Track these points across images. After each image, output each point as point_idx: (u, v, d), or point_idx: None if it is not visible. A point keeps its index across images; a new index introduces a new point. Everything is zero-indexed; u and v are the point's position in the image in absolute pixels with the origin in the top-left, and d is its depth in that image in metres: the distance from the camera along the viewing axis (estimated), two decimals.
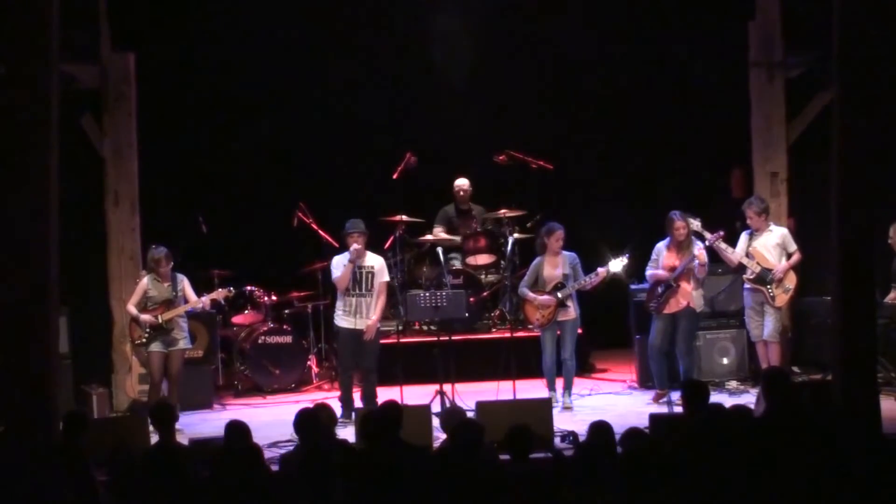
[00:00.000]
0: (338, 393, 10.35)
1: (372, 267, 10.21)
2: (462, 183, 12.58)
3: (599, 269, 10.31)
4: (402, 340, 11.28)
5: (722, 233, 10.41)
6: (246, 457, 6.72)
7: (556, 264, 10.41)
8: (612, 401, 10.85)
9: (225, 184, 13.11)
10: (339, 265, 10.20)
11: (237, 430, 7.04)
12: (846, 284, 7.93)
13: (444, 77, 12.98)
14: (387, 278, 10.32)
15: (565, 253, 10.43)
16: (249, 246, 12.90)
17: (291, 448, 7.90)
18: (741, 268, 10.55)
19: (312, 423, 7.16)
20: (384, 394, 9.90)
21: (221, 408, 11.30)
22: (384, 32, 12.94)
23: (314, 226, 12.39)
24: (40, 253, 7.68)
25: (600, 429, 6.82)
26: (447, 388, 10.09)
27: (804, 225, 11.35)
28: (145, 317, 10.07)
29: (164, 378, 10.17)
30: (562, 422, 9.30)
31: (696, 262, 10.20)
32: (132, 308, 10.17)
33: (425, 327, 12.08)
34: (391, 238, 12.38)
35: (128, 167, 11.29)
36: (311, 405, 7.72)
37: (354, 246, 10.07)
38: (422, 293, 10.95)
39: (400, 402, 8.11)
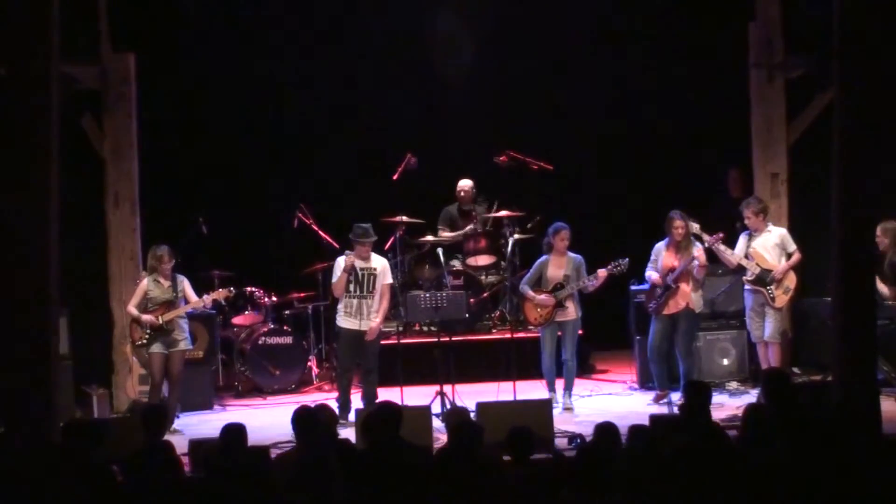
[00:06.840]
0: (337, 394, 10.34)
1: (374, 269, 10.19)
2: (465, 184, 12.56)
3: (600, 271, 10.29)
4: (403, 341, 11.27)
5: (721, 235, 10.40)
6: (244, 459, 6.70)
7: (560, 265, 10.40)
8: (612, 402, 10.84)
9: (225, 184, 13.10)
10: (338, 268, 10.19)
11: (234, 433, 7.00)
12: (846, 284, 7.93)
13: (444, 77, 12.98)
14: (390, 280, 10.31)
15: (571, 254, 10.42)
16: (249, 246, 12.89)
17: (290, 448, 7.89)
18: (741, 269, 10.54)
19: (310, 421, 7.15)
20: (384, 395, 9.88)
21: (222, 409, 11.30)
22: (384, 32, 12.93)
23: (314, 226, 12.38)
24: (40, 253, 7.67)
25: (607, 431, 6.81)
26: (447, 388, 10.08)
27: (804, 225, 11.34)
28: (146, 317, 10.06)
29: (165, 379, 10.18)
30: (562, 423, 9.29)
31: (696, 262, 10.19)
32: (133, 309, 10.16)
33: (426, 328, 12.08)
34: (391, 239, 12.38)
35: (128, 167, 11.28)
36: (310, 405, 7.70)
37: (350, 260, 10.06)
38: (422, 294, 10.93)
39: (400, 402, 8.11)
